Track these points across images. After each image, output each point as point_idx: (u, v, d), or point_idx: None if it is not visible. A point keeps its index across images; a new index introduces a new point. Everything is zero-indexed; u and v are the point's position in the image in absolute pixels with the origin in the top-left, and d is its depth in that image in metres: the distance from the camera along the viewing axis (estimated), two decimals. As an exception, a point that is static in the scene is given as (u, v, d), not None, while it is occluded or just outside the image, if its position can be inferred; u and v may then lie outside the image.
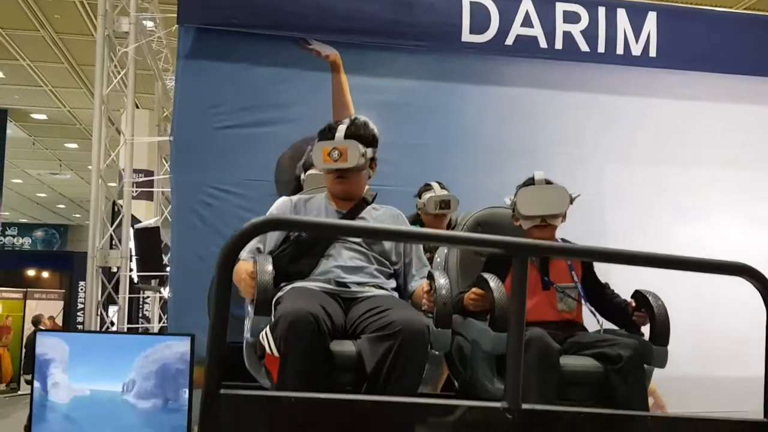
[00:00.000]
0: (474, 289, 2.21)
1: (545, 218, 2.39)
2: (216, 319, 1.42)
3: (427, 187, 3.46)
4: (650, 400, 2.50)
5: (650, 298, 2.24)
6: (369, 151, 2.33)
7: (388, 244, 2.38)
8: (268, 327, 1.91)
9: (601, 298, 2.46)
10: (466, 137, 4.03)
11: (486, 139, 4.05)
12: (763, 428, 1.59)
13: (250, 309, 2.02)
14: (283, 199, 2.51)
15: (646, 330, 2.30)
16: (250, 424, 1.41)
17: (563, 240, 2.49)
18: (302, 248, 2.27)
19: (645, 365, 2.17)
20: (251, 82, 3.84)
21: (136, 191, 4.70)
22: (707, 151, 4.23)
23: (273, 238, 2.30)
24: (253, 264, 2.03)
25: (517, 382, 1.53)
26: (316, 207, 2.41)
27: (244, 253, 2.15)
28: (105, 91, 4.18)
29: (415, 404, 1.57)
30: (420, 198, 3.44)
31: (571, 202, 2.43)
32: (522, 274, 1.57)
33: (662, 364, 2.17)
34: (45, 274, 16.32)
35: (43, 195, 13.92)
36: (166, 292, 5.01)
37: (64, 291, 14.56)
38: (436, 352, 2.01)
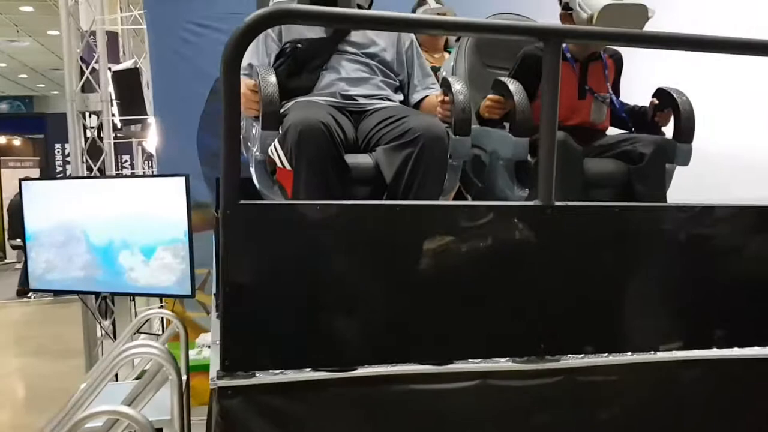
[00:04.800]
0: (490, 96, 2.08)
1: None
2: (228, 130, 1.30)
3: (421, 2, 3.20)
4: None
5: (673, 93, 2.13)
6: None
7: (389, 55, 2.21)
8: (276, 140, 1.78)
9: (623, 108, 2.34)
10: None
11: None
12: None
13: (255, 126, 1.88)
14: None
15: (668, 131, 2.21)
16: (272, 234, 1.33)
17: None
18: (300, 62, 2.09)
19: (667, 164, 2.10)
20: None
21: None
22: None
23: (266, 52, 2.11)
24: (253, 78, 1.86)
25: (549, 179, 1.46)
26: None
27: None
28: None
29: (447, 206, 1.50)
30: (414, 13, 3.19)
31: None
32: (554, 61, 1.44)
33: (686, 161, 2.10)
34: (17, 142, 15.91)
35: (3, 65, 13.15)
36: (147, 139, 4.84)
37: (39, 158, 14.31)
38: (454, 162, 1.91)
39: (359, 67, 2.14)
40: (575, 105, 2.21)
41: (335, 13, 1.45)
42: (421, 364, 1.42)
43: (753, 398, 1.61)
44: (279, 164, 1.80)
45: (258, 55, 2.12)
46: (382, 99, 2.12)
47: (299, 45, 2.09)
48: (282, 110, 1.92)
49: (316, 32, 2.16)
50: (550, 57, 1.44)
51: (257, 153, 1.87)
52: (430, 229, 1.42)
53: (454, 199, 2.10)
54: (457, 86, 1.87)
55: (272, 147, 1.79)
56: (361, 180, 1.85)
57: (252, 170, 1.96)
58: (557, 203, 1.45)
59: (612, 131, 2.34)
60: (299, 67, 2.09)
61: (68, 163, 14.03)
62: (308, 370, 1.37)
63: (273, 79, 1.79)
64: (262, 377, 1.34)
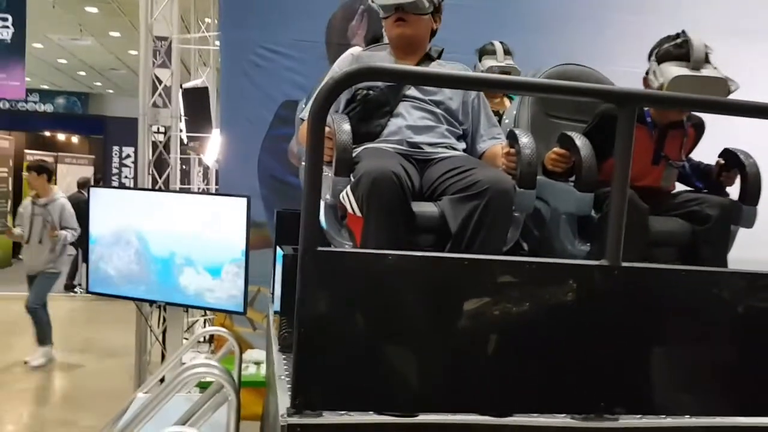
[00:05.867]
0: (555, 149, 2.11)
1: None
2: (310, 177, 1.37)
3: (489, 51, 3.26)
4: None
5: (741, 156, 2.13)
6: None
7: (455, 103, 2.26)
8: (348, 187, 1.85)
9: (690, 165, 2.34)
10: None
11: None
12: None
13: (327, 172, 1.95)
14: (346, 54, 2.36)
15: (732, 192, 2.21)
16: (345, 280, 1.39)
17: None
18: (371, 107, 2.16)
19: (732, 225, 2.10)
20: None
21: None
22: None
23: (340, 98, 2.19)
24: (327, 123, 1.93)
25: (618, 239, 1.50)
26: (381, 60, 2.27)
27: (307, 113, 2.05)
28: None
29: (512, 262, 1.55)
30: (480, 62, 3.25)
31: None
32: (629, 124, 1.48)
33: (750, 224, 2.10)
34: (75, 139, 16.47)
35: (63, 61, 13.67)
36: (206, 153, 4.99)
37: (94, 157, 14.80)
38: (518, 214, 1.95)
39: (425, 114, 2.19)
40: (647, 170, 2.22)
41: (419, 72, 1.51)
42: (481, 415, 1.46)
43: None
44: (350, 210, 1.86)
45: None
46: (446, 147, 2.16)
47: (371, 91, 2.16)
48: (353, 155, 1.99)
49: None
50: (625, 119, 1.48)
51: (328, 197, 1.93)
52: (496, 283, 1.47)
53: (511, 248, 2.13)
54: (525, 139, 1.91)
55: (344, 193, 1.86)
56: (426, 228, 1.90)
57: (321, 214, 2.02)
58: (624, 264, 1.49)
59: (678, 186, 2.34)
60: (369, 113, 2.16)
61: (125, 165, 14.52)
62: (372, 413, 1.43)
63: (347, 127, 1.86)
64: (329, 417, 1.40)
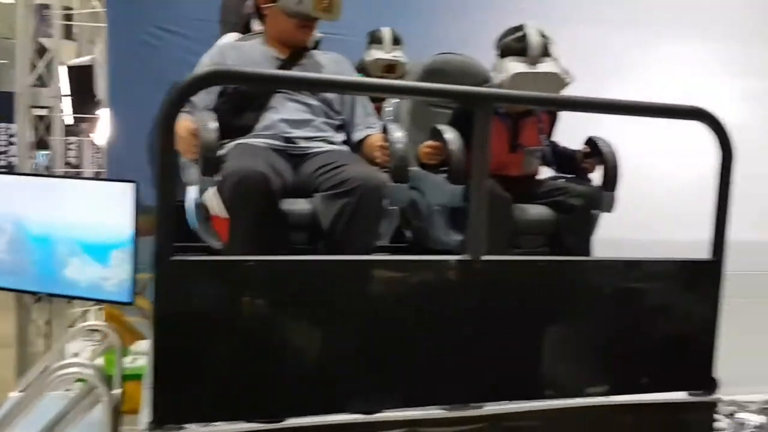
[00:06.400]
0: (429, 142, 2.14)
1: None
2: (162, 185, 1.32)
3: (377, 39, 3.25)
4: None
5: (600, 143, 2.24)
6: None
7: (332, 93, 2.23)
8: (214, 187, 1.80)
9: (554, 151, 2.44)
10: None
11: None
12: (710, 266, 1.68)
13: (192, 168, 1.89)
14: (215, 46, 2.29)
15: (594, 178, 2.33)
16: (203, 287, 1.36)
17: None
18: (243, 100, 2.10)
19: (593, 211, 2.21)
20: None
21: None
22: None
23: (210, 90, 2.11)
24: (192, 120, 1.87)
25: (478, 234, 1.54)
26: (252, 53, 2.21)
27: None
28: None
29: (376, 261, 1.56)
30: (368, 51, 3.24)
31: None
32: (485, 126, 1.52)
33: (610, 209, 2.22)
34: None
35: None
36: (96, 132, 4.75)
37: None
38: (393, 207, 1.97)
39: (300, 107, 2.15)
40: (506, 159, 2.29)
41: (269, 76, 1.48)
42: (351, 414, 1.47)
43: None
44: (215, 212, 1.82)
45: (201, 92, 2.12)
46: (323, 141, 2.14)
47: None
48: (222, 152, 1.93)
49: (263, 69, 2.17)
50: (481, 119, 1.52)
51: (194, 196, 1.88)
52: (360, 283, 1.48)
53: (393, 239, 2.16)
54: (396, 134, 1.93)
55: (209, 194, 1.81)
56: (299, 226, 1.89)
57: (188, 210, 1.96)
58: (484, 257, 1.53)
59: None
60: (240, 107, 2.10)
61: (12, 144, 13.48)
62: (241, 422, 1.41)
63: (213, 125, 1.81)
64: (194, 428, 1.36)
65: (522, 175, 2.33)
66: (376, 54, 3.22)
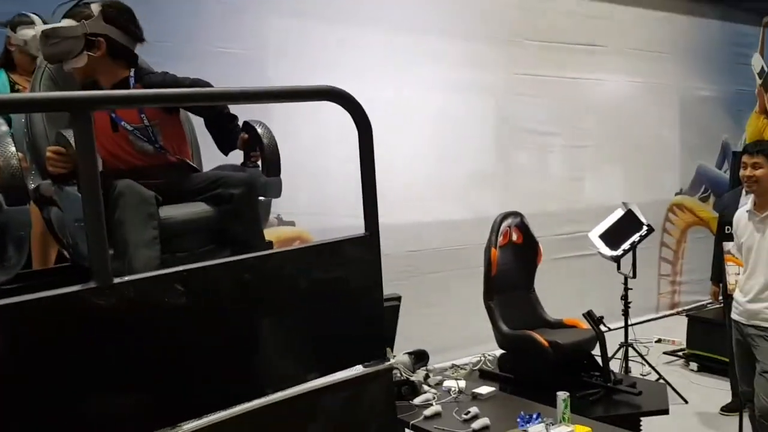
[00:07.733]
0: (51, 147, 1.85)
1: None
2: None
3: (25, 18, 2.81)
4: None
5: (258, 129, 2.14)
6: None
7: None
8: None
9: (220, 129, 2.24)
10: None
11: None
12: (366, 240, 1.70)
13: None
14: None
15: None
16: None
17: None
18: None
19: (261, 197, 2.12)
20: None
21: None
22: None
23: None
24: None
25: (103, 257, 1.35)
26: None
27: None
28: None
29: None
30: (14, 33, 2.83)
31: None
32: (86, 131, 1.31)
33: (277, 194, 2.15)
34: None
35: None
36: None
37: None
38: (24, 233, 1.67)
39: None
40: (110, 138, 2.07)
41: None
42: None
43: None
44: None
45: None
46: None
47: None
48: None
49: None
50: (80, 128, 1.31)
51: None
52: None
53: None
54: (11, 149, 1.61)
55: None
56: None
57: None
58: (116, 281, 1.35)
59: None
60: None
61: None
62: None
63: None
64: None
65: (160, 164, 2.11)
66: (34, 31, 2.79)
